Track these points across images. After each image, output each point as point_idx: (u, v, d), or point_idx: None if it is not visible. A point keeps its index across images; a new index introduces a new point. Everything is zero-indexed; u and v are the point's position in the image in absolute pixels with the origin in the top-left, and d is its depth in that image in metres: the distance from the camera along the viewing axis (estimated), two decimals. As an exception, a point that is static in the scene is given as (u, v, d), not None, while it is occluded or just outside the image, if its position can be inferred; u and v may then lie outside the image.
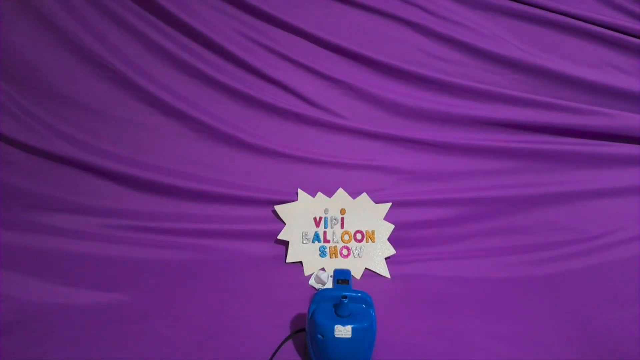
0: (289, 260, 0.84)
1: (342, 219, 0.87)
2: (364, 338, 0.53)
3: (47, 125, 0.87)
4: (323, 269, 0.83)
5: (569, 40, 0.92)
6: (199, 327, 0.63)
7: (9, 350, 0.56)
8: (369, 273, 0.83)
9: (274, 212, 0.88)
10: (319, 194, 0.88)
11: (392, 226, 0.86)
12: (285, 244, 0.86)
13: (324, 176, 0.91)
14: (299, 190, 0.88)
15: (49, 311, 0.64)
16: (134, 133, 0.90)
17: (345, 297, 0.53)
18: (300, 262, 0.84)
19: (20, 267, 0.71)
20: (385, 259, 0.84)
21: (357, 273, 0.82)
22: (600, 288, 0.78)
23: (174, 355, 0.57)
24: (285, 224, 0.86)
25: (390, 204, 0.87)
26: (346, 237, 0.86)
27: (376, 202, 0.88)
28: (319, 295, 0.56)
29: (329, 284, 0.77)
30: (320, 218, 0.87)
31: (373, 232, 0.86)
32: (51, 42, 0.85)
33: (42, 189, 0.86)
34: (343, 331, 0.51)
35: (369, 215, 0.87)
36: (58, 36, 0.85)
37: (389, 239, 0.86)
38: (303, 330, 0.59)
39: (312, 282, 0.78)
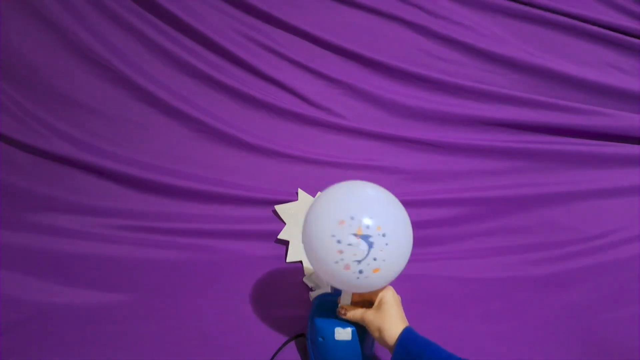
0: (289, 260, 0.84)
1: (342, 219, 0.87)
2: (365, 340, 0.53)
3: (47, 125, 0.86)
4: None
5: (569, 40, 0.92)
6: (199, 327, 0.63)
7: (9, 350, 0.56)
8: (369, 273, 0.83)
9: (274, 212, 0.88)
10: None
11: (392, 226, 0.86)
12: (285, 244, 0.86)
13: (324, 176, 0.91)
14: (299, 190, 0.88)
15: (49, 311, 0.64)
16: (134, 133, 0.89)
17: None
18: (300, 262, 0.84)
19: (20, 267, 0.71)
20: (385, 259, 0.84)
21: (357, 273, 0.82)
22: (601, 288, 0.78)
23: (174, 355, 0.57)
24: (285, 224, 0.86)
25: (390, 204, 0.87)
26: (346, 237, 0.86)
27: (376, 202, 0.87)
28: (319, 299, 0.56)
29: (327, 288, 0.76)
30: (320, 218, 0.87)
31: (373, 232, 0.86)
32: (51, 42, 0.85)
33: (42, 189, 0.86)
34: (343, 334, 0.51)
35: (369, 215, 0.87)
36: (58, 36, 0.84)
37: (389, 239, 0.86)
38: (302, 335, 0.59)
39: (307, 279, 0.78)
